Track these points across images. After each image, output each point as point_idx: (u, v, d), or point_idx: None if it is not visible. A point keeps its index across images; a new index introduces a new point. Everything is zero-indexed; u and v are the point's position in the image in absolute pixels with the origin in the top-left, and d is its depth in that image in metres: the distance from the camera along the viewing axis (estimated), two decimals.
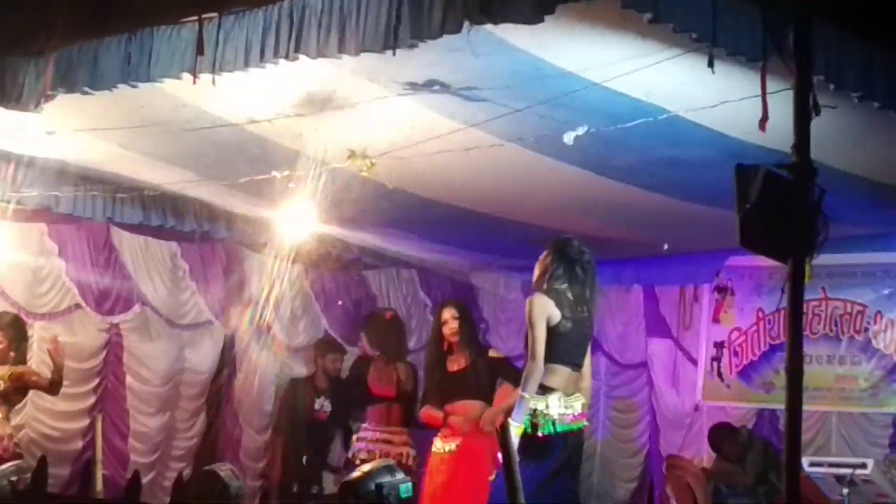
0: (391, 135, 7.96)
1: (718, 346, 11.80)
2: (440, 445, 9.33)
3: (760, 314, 11.31)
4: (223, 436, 11.59)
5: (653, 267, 11.75)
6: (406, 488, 7.40)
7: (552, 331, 7.59)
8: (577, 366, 7.72)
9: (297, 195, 8.56)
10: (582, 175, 8.53)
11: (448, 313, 9.57)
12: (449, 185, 9.12)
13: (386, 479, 7.42)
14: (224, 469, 9.23)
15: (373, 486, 7.27)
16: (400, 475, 7.38)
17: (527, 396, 7.42)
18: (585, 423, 7.74)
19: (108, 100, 7.34)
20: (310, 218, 9.01)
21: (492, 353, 9.81)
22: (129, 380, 11.13)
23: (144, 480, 10.82)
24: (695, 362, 11.93)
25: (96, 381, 10.97)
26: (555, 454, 7.51)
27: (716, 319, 11.89)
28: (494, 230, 10.29)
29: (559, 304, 7.64)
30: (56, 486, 10.12)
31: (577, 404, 7.63)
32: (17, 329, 9.71)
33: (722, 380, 11.74)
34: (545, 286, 7.72)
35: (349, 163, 8.25)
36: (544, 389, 7.48)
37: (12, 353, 9.55)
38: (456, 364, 9.49)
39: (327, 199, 8.55)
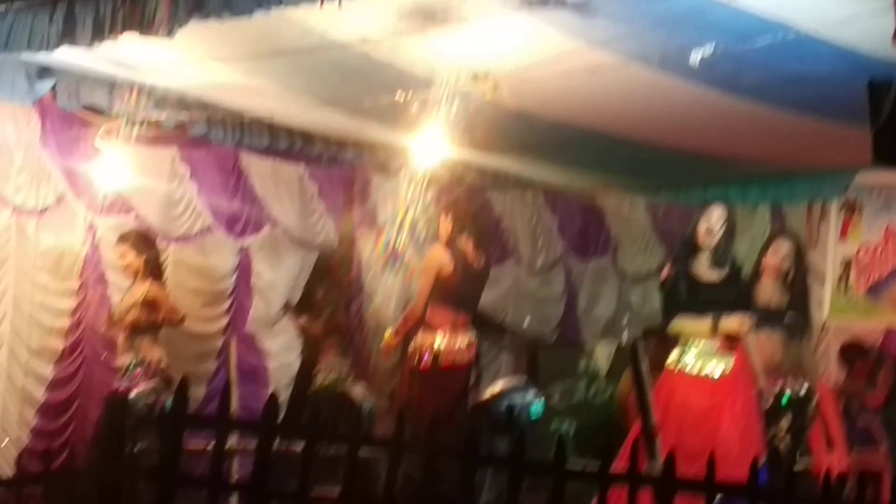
0: (514, 56, 7.91)
1: (846, 263, 11.67)
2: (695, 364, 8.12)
3: (889, 231, 11.12)
4: (353, 357, 11.69)
5: (780, 185, 11.63)
6: (536, 410, 7.51)
7: (445, 280, 9.14)
8: (465, 310, 9.32)
9: (423, 119, 8.57)
10: (708, 94, 8.43)
11: (715, 214, 8.44)
12: (573, 107, 9.06)
13: (517, 399, 7.54)
14: (356, 389, 9.37)
15: (504, 407, 7.40)
16: (531, 396, 7.51)
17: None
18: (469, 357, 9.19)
19: (232, 27, 7.31)
20: (437, 142, 9.00)
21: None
22: (256, 300, 11.31)
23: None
24: (822, 280, 11.81)
25: (228, 302, 11.13)
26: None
27: (843, 236, 11.75)
28: (620, 151, 10.22)
29: (455, 258, 9.18)
30: (190, 408, 10.28)
31: (462, 340, 9.18)
32: (145, 243, 9.84)
33: (849, 298, 11.63)
34: (446, 242, 9.31)
35: (472, 86, 8.24)
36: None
37: (144, 268, 9.71)
38: (707, 274, 8.33)
39: (453, 122, 8.54)
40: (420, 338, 9.22)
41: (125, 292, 9.80)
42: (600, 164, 11.11)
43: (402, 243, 10.58)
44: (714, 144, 10.06)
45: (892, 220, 11.18)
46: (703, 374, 7.91)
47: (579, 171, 11.43)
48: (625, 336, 12.07)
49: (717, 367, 7.90)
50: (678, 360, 8.12)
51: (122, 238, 9.81)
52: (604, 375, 11.92)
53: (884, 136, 5.62)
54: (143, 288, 9.66)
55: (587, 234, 13.03)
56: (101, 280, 10.23)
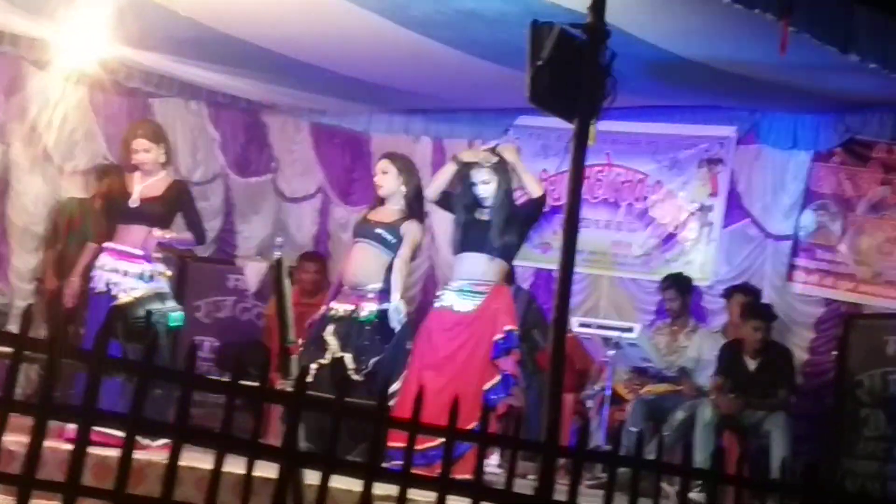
0: None
1: None
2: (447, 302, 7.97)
3: (544, 175, 11.30)
4: None
5: (442, 120, 11.78)
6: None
7: None
8: None
9: (80, 12, 8.27)
10: (378, 22, 8.46)
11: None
12: (241, 18, 8.94)
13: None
14: None
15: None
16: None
17: None
18: None
19: None
20: (94, 37, 8.70)
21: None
22: None
23: None
24: None
25: None
26: None
27: None
28: (286, 69, 10.14)
29: None
30: None
31: None
32: None
33: None
34: None
35: None
36: None
37: None
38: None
39: (112, 18, 8.28)
40: None
41: None
42: (266, 80, 10.98)
43: (52, 141, 10.21)
44: (379, 73, 10.09)
45: (547, 164, 11.36)
46: (454, 309, 7.86)
47: (245, 84, 11.28)
48: (276, 256, 11.99)
49: (466, 304, 7.85)
50: (439, 297, 8.10)
51: None
52: (252, 293, 11.86)
53: (539, 77, 5.72)
54: None
55: (249, 151, 12.89)
56: None
